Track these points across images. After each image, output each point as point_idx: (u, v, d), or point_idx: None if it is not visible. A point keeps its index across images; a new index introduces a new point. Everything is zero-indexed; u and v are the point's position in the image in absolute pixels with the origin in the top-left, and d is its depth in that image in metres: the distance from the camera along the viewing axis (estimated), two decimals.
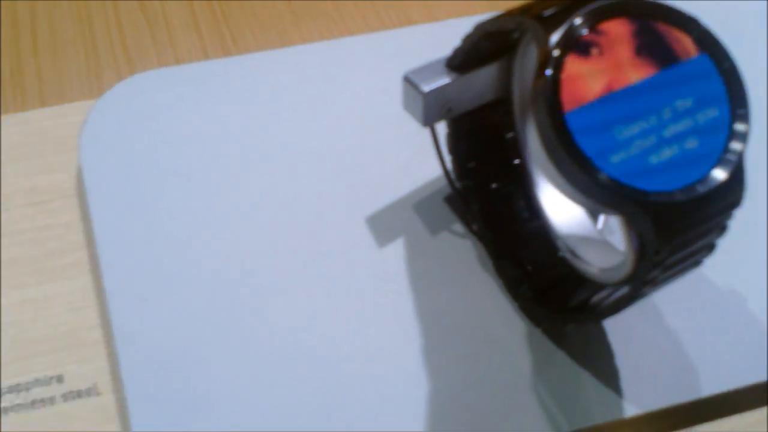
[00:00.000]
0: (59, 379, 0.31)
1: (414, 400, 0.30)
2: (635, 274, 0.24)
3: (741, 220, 0.25)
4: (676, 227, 0.22)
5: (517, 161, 0.31)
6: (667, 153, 0.22)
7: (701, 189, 0.22)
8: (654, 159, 0.22)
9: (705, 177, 0.22)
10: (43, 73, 0.39)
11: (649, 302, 0.32)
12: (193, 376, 0.30)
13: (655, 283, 0.25)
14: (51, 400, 0.31)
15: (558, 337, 0.31)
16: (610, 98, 0.22)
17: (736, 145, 0.23)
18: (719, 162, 0.23)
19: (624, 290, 0.26)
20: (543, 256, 0.31)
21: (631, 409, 0.30)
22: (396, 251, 0.33)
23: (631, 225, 0.23)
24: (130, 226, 0.33)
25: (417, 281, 0.32)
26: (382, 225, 0.33)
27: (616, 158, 0.22)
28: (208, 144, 0.35)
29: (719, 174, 0.23)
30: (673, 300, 0.32)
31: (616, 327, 0.32)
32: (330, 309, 0.32)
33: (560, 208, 0.31)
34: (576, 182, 0.22)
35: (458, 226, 0.33)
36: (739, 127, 0.23)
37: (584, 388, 0.31)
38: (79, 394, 0.31)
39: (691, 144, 0.22)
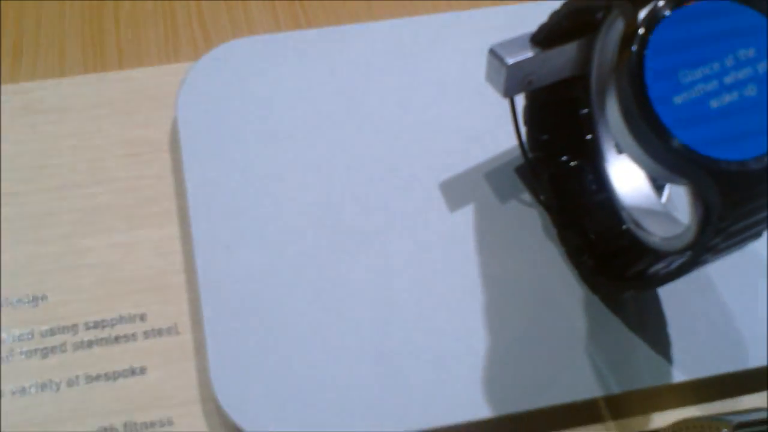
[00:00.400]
0: (142, 317, 0.34)
1: (475, 354, 0.32)
2: (698, 241, 0.26)
3: None
4: (741, 195, 0.24)
5: (589, 137, 0.33)
6: (727, 98, 0.24)
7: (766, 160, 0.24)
8: (714, 104, 0.24)
9: None
10: (123, 44, 0.42)
11: (703, 273, 0.34)
12: (268, 323, 0.32)
13: (716, 251, 0.27)
14: (133, 337, 0.33)
15: (614, 305, 0.33)
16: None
17: None
18: None
19: (683, 258, 0.28)
20: (606, 227, 0.33)
21: (679, 375, 0.32)
22: (466, 216, 0.35)
23: (698, 192, 0.25)
24: (218, 179, 0.35)
25: (484, 245, 0.34)
26: (455, 191, 0.35)
27: (678, 99, 0.24)
28: (297, 108, 0.37)
29: None
30: (726, 272, 0.34)
31: (670, 297, 0.33)
32: (402, 266, 0.34)
33: (627, 182, 0.32)
34: (650, 149, 0.24)
35: (526, 196, 0.35)
36: None
37: (635, 353, 0.32)
38: (159, 333, 0.34)
39: (751, 91, 0.24)
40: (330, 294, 0.33)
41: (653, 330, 0.33)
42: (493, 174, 0.36)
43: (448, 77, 0.37)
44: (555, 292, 0.33)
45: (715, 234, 0.25)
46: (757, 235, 0.27)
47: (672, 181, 0.26)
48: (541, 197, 0.35)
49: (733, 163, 0.24)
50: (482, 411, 0.31)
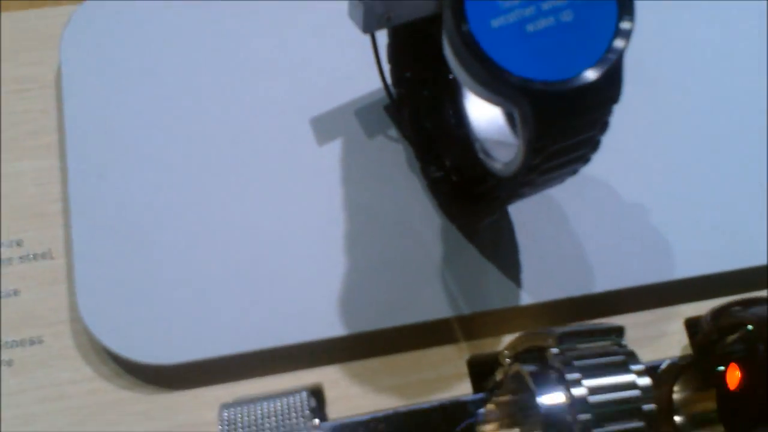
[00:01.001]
0: (19, 243, 0.35)
1: (335, 276, 0.34)
2: (522, 163, 0.28)
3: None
4: (555, 114, 0.26)
5: (451, 76, 0.35)
6: (543, 23, 0.26)
7: (579, 81, 0.26)
8: (531, 27, 0.26)
9: (584, 71, 0.26)
10: None
11: (555, 204, 0.36)
12: (136, 249, 0.34)
13: (542, 172, 0.28)
14: (9, 261, 0.35)
15: (470, 234, 0.35)
16: None
17: (618, 43, 0.26)
18: (600, 59, 0.26)
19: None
20: (463, 159, 0.35)
21: (527, 298, 0.34)
22: (334, 151, 0.36)
23: (521, 115, 0.26)
24: (95, 114, 0.37)
25: (350, 177, 0.36)
26: (324, 127, 0.37)
27: (495, 23, 0.25)
28: (174, 48, 0.38)
29: (596, 70, 0.26)
30: (575, 202, 0.36)
31: (523, 227, 0.35)
32: (269, 196, 0.35)
33: (482, 115, 0.34)
34: (471, 71, 0.26)
35: (393, 132, 0.37)
36: (624, 25, 0.26)
37: (487, 277, 0.34)
38: (34, 258, 0.35)
39: (567, 17, 0.26)
40: (197, 222, 0.35)
41: (506, 256, 0.35)
42: (363, 111, 0.37)
43: (321, 17, 0.39)
44: (415, 221, 0.35)
45: (534, 154, 0.27)
46: (583, 159, 0.29)
47: (500, 105, 0.27)
48: (405, 132, 0.36)
49: (547, 84, 0.26)
50: (341, 329, 0.33)
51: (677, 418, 0.35)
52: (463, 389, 0.34)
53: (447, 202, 0.35)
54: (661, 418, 0.34)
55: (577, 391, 0.28)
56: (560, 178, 0.30)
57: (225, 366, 0.33)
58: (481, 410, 0.33)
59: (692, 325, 0.35)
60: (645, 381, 0.29)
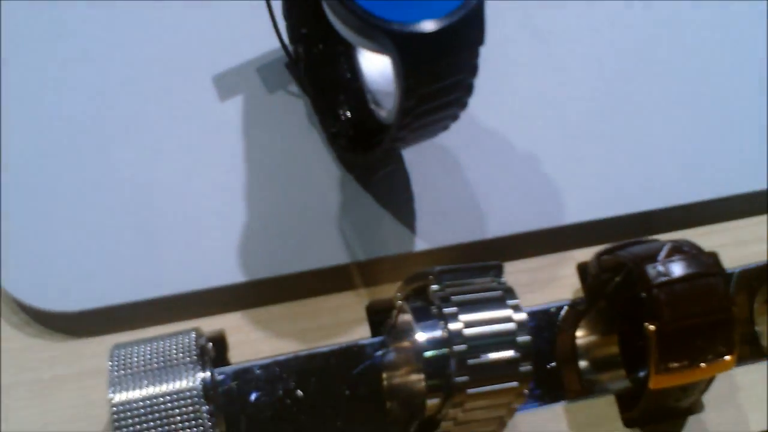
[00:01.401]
0: None
1: (235, 225, 0.35)
2: (398, 107, 0.29)
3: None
4: (420, 55, 0.27)
5: None
6: None
7: (442, 23, 0.27)
8: None
9: (447, 14, 0.27)
10: None
11: (450, 154, 0.37)
12: (39, 202, 0.35)
13: (418, 116, 0.29)
14: None
15: (366, 183, 0.36)
16: None
17: None
18: (463, 2, 0.27)
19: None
20: (359, 112, 0.36)
21: (422, 244, 0.35)
22: (236, 106, 0.37)
23: (391, 57, 0.28)
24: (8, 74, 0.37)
25: (251, 131, 0.37)
26: (226, 84, 0.38)
27: None
28: (82, 7, 0.39)
29: (458, 13, 0.27)
30: (469, 153, 0.37)
31: (420, 177, 0.37)
32: (173, 150, 0.36)
33: (374, 67, 0.35)
34: (339, 14, 0.27)
35: (294, 88, 0.38)
36: None
37: (383, 225, 0.36)
38: None
39: None
40: (101, 174, 0.36)
41: (401, 204, 0.36)
42: (264, 68, 0.38)
43: None
44: (314, 172, 0.36)
45: (406, 96, 0.28)
46: (460, 104, 0.30)
47: (372, 50, 0.28)
48: (304, 87, 0.37)
49: (410, 25, 0.27)
50: (242, 276, 0.34)
51: (582, 363, 0.36)
52: (362, 333, 0.35)
53: (344, 154, 0.36)
54: (564, 365, 0.36)
55: (454, 325, 0.29)
56: (441, 123, 0.31)
57: (129, 313, 0.34)
58: (379, 352, 0.34)
59: (583, 270, 0.37)
60: (521, 316, 0.30)
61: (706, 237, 0.36)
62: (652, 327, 0.30)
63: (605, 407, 0.35)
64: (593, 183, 0.37)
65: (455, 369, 0.29)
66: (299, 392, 0.34)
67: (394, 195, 0.36)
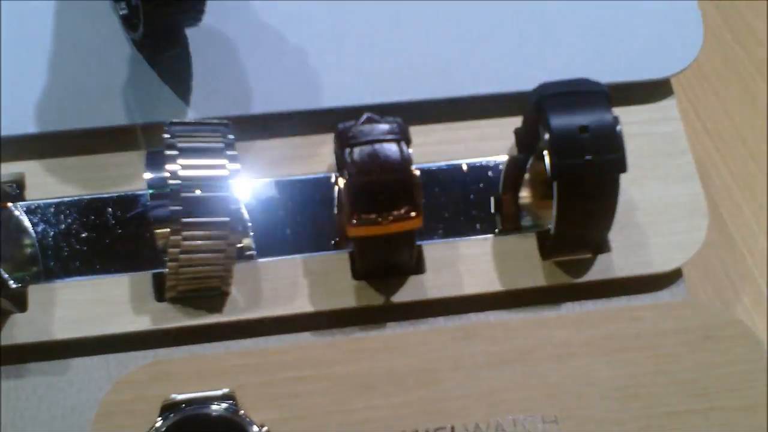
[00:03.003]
0: None
1: (39, 82, 0.42)
2: None
3: None
4: None
5: None
6: None
7: None
8: None
9: None
10: None
11: (231, 44, 0.43)
12: None
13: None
14: None
15: (153, 62, 0.43)
16: None
17: None
18: None
19: None
20: None
21: (192, 114, 0.42)
22: None
23: None
24: None
25: (59, 13, 0.43)
26: None
27: None
28: None
29: None
30: (248, 44, 0.44)
31: (200, 60, 0.43)
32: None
33: None
34: None
35: None
36: None
37: (162, 95, 0.42)
38: None
39: None
40: None
41: (180, 81, 0.43)
42: None
43: None
44: (108, 49, 0.43)
45: None
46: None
47: None
48: None
49: None
50: (37, 127, 0.41)
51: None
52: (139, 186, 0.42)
53: (134, 36, 0.43)
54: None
55: (171, 166, 0.36)
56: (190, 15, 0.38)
57: None
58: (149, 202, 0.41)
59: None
60: (235, 165, 0.37)
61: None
62: (342, 181, 0.37)
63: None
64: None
65: (170, 200, 0.36)
66: (81, 230, 0.41)
67: (176, 73, 0.43)
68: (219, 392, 0.37)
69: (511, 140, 0.43)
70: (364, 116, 0.38)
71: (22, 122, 0.42)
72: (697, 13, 0.45)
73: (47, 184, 0.42)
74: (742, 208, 0.56)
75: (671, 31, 0.44)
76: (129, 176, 0.42)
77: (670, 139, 0.43)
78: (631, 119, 0.43)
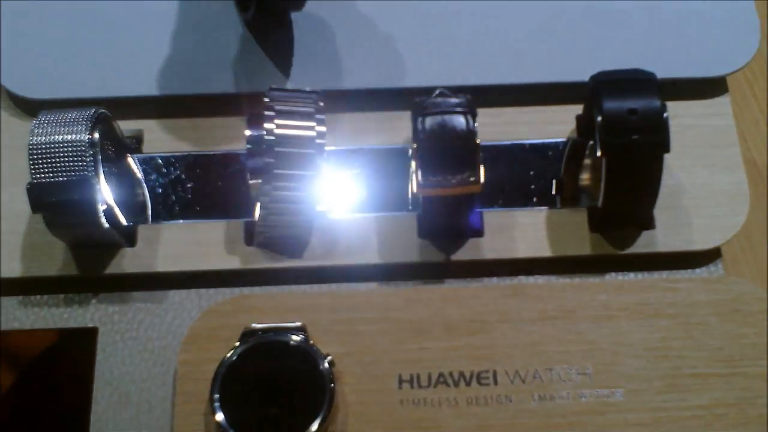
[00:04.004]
0: None
1: (162, 51, 0.48)
2: None
3: None
4: None
5: None
6: None
7: None
8: None
9: None
10: None
11: (328, 26, 0.49)
12: None
13: None
14: None
15: (260, 38, 0.49)
16: None
17: None
18: None
19: None
20: None
21: (291, 85, 0.48)
22: None
23: None
24: None
25: None
26: None
27: None
28: None
29: None
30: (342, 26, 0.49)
31: (300, 37, 0.49)
32: None
33: None
34: None
35: None
36: None
37: (266, 68, 0.48)
38: None
39: None
40: None
41: (282, 56, 0.49)
42: None
43: None
44: (224, 31, 0.49)
45: None
46: None
47: None
48: None
49: None
50: (156, 90, 0.48)
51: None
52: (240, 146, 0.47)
53: (245, 17, 0.49)
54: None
55: (269, 125, 0.42)
56: None
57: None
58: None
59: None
60: (322, 128, 0.43)
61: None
62: (414, 145, 0.42)
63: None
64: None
65: (264, 154, 0.42)
66: (187, 181, 0.47)
67: (279, 50, 0.49)
68: (293, 324, 0.42)
69: (572, 125, 0.47)
70: (437, 91, 0.43)
71: (145, 85, 0.48)
72: (755, 14, 0.48)
73: (161, 140, 0.48)
74: None
75: (729, 32, 0.48)
76: (232, 138, 0.48)
77: (721, 133, 0.47)
78: (685, 112, 0.47)
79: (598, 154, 0.41)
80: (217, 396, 0.40)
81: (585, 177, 0.47)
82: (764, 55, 0.62)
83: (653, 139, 0.41)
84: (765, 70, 0.62)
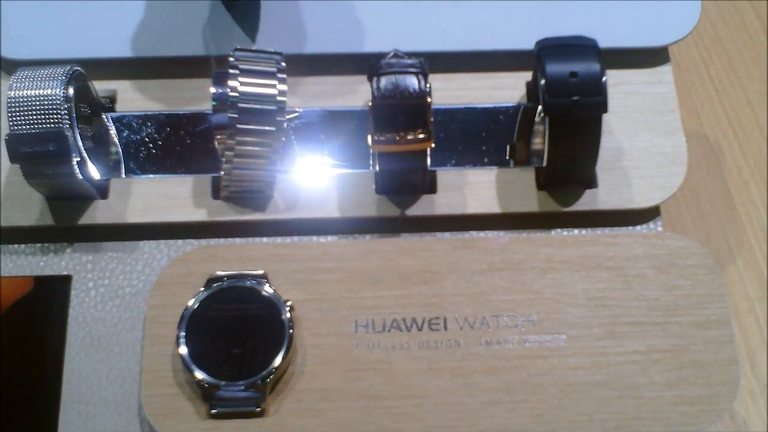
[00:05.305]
0: None
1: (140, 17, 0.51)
2: None
3: None
4: None
5: None
6: None
7: None
8: None
9: None
10: None
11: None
12: None
13: None
14: None
15: (228, 4, 0.51)
16: None
17: None
18: None
19: None
20: None
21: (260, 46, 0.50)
22: None
23: None
24: None
25: None
26: None
27: None
28: None
29: None
30: None
31: (266, 4, 0.51)
32: None
33: None
34: None
35: None
36: None
37: (234, 31, 0.51)
38: None
39: None
40: None
41: (251, 22, 0.51)
42: None
43: None
44: None
45: None
46: None
47: None
48: None
49: None
50: (132, 52, 0.50)
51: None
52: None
53: None
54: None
55: (232, 82, 0.44)
56: None
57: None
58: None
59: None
60: (283, 86, 0.45)
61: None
62: (370, 104, 0.45)
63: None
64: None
65: (229, 109, 0.44)
66: (158, 138, 0.50)
67: (246, 16, 0.51)
68: (255, 272, 0.45)
69: (523, 91, 0.50)
70: (391, 52, 0.45)
71: (120, 48, 0.50)
72: None
73: (134, 100, 0.51)
74: (749, 185, 0.62)
75: (671, 4, 0.51)
76: (200, 98, 0.51)
77: (662, 100, 0.50)
78: (630, 80, 0.50)
79: (542, 115, 0.44)
80: (183, 334, 0.43)
81: (537, 141, 0.50)
82: (719, 37, 0.66)
83: (593, 100, 0.44)
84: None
